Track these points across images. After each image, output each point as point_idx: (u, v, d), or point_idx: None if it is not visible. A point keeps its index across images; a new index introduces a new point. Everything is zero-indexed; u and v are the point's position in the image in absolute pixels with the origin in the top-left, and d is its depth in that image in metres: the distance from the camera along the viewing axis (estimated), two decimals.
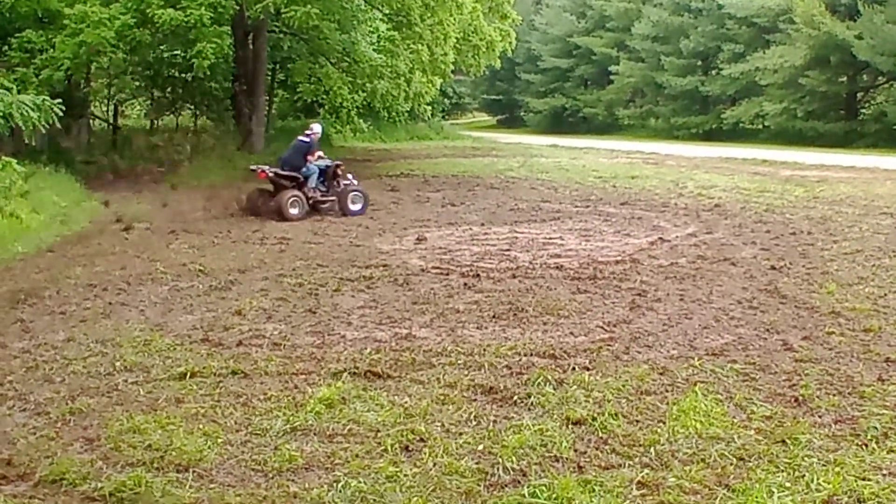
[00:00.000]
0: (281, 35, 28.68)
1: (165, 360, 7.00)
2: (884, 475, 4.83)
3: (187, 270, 10.74)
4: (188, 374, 6.56)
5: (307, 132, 17.18)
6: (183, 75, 32.55)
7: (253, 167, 16.86)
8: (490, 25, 27.52)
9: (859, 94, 42.50)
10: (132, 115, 40.42)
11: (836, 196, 17.74)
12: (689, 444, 5.26)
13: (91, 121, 30.55)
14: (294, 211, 15.72)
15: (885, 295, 9.18)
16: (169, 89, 34.98)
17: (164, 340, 7.56)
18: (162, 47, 27.65)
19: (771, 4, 42.98)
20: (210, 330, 7.94)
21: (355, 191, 16.77)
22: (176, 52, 28.81)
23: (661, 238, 13.01)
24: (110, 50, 21.24)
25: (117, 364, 6.85)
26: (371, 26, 26.39)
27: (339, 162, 17.84)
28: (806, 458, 5.04)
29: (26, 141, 22.31)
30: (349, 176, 17.12)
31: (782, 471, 4.89)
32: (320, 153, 17.31)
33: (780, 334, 7.73)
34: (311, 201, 16.19)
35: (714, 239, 12.96)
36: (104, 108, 35.06)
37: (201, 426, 5.54)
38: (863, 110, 42.02)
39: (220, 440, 5.33)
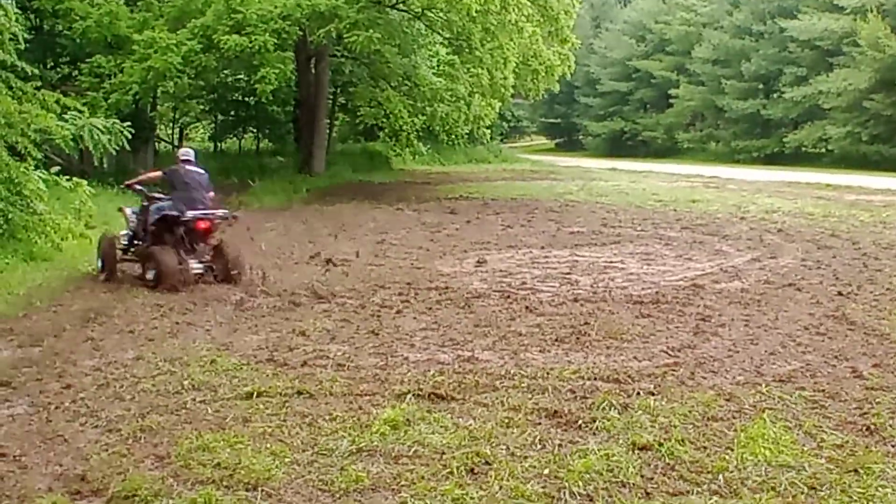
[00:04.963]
0: (342, 59, 29.03)
1: (232, 379, 7.08)
2: None
3: (251, 290, 10.87)
4: (255, 394, 6.63)
5: (187, 157, 12.23)
6: (246, 99, 33.20)
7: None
8: (549, 49, 27.58)
9: None
10: (195, 137, 41.24)
11: None
12: (758, 471, 5.17)
13: (157, 144, 31.20)
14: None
15: None
16: (232, 113, 35.64)
17: (230, 360, 7.65)
18: (226, 72, 28.23)
19: (835, 27, 42.50)
20: (275, 350, 8.02)
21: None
22: (240, 77, 29.40)
23: (724, 263, 12.89)
24: (176, 74, 21.77)
25: (185, 383, 6.94)
26: (431, 50, 26.66)
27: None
28: (880, 489, 4.93)
29: (95, 163, 22.86)
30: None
31: (855, 501, 4.80)
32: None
33: (849, 361, 7.59)
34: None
35: (778, 264, 12.79)
36: (169, 132, 35.80)
37: (269, 445, 5.59)
38: None
39: (287, 459, 5.37)
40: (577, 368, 7.29)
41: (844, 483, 5.01)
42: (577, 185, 27.84)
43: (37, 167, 12.84)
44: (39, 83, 13.82)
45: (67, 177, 13.39)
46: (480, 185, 29.32)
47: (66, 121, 13.14)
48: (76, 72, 24.02)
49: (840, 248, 14.19)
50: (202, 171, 12.11)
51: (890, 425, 5.94)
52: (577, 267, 12.76)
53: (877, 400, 6.49)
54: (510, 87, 26.37)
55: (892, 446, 5.59)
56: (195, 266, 11.38)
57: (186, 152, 12.43)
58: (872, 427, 5.91)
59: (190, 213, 11.38)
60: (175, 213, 11.39)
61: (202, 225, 11.46)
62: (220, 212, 11.81)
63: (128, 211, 12.22)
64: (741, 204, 21.34)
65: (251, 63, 22.66)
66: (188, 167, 11.93)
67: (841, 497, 4.84)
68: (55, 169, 13.32)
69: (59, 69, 26.16)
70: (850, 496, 4.86)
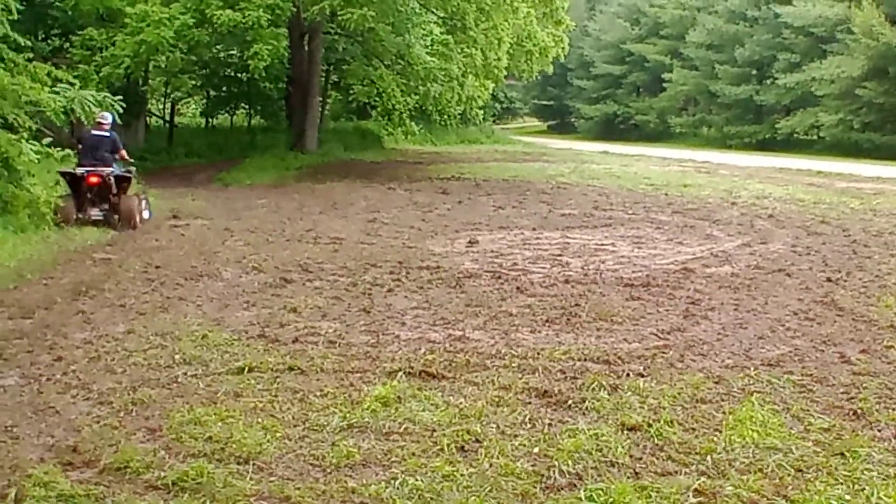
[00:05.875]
0: (336, 37, 28.91)
1: (223, 354, 7.09)
2: None
3: (243, 267, 10.88)
4: (246, 369, 6.65)
5: (99, 121, 14.21)
6: (238, 75, 33.03)
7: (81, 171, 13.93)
8: (544, 31, 27.53)
9: None
10: (187, 113, 41.07)
11: (894, 209, 17.49)
12: (745, 453, 5.22)
13: (148, 118, 31.05)
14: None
15: None
16: (224, 89, 35.48)
17: (221, 335, 7.66)
18: (219, 47, 28.08)
19: (829, 14, 42.47)
20: (266, 326, 8.03)
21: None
22: (232, 53, 29.27)
23: (714, 247, 12.93)
24: (169, 49, 21.63)
25: (177, 357, 6.96)
26: (425, 29, 26.54)
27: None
28: (866, 472, 4.98)
29: None
30: None
31: (841, 483, 4.84)
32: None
33: (837, 346, 7.64)
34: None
35: (769, 249, 12.84)
36: (161, 106, 35.64)
37: (260, 420, 5.61)
38: None
39: (278, 434, 5.39)
40: (568, 349, 7.32)
41: (831, 466, 5.06)
42: (568, 168, 27.83)
43: (28, 139, 12.78)
44: (31, 55, 13.73)
45: (59, 149, 13.32)
46: (472, 165, 29.28)
47: (57, 93, 13.07)
48: (68, 44, 23.84)
49: (830, 235, 14.25)
50: (107, 135, 14.20)
51: (876, 410, 5.99)
52: (569, 249, 12.78)
53: (864, 385, 6.54)
54: (503, 68, 26.34)
55: (878, 430, 5.64)
56: (95, 213, 13.81)
57: (103, 116, 14.20)
58: (859, 411, 5.96)
59: (80, 170, 13.81)
60: (70, 170, 13.86)
61: (91, 179, 13.74)
62: (108, 169, 13.90)
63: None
64: (732, 189, 21.38)
65: (244, 39, 22.56)
66: (94, 131, 14.17)
67: (827, 479, 4.89)
68: (47, 141, 13.25)
69: (50, 41, 25.98)
70: (837, 479, 4.90)
